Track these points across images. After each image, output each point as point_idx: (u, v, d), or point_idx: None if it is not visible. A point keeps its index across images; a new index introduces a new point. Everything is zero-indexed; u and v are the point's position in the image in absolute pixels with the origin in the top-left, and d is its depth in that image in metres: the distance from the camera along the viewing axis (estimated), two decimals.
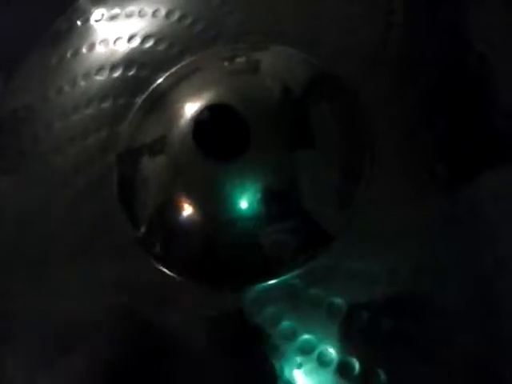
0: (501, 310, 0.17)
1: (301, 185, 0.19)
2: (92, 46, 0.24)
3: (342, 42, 0.21)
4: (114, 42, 0.23)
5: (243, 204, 0.19)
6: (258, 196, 0.19)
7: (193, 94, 0.21)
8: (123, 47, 0.23)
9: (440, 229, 0.18)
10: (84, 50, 0.23)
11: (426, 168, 0.19)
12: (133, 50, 0.23)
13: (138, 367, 0.18)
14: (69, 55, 0.24)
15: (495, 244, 0.18)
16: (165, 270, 0.19)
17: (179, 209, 0.19)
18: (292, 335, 0.17)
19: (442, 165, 0.19)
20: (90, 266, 0.20)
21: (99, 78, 0.23)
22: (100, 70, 0.23)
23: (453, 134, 0.19)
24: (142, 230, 0.20)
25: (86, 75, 0.23)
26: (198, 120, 0.18)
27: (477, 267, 0.18)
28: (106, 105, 0.22)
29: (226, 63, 0.22)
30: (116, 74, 0.23)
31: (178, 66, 0.22)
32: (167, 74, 0.22)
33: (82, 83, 0.23)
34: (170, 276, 0.19)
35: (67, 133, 0.22)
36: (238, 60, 0.22)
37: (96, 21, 0.24)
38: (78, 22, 0.24)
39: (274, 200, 0.19)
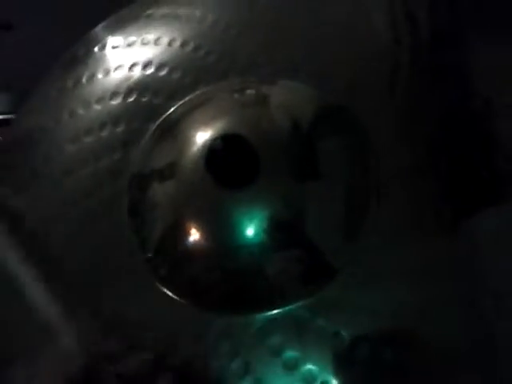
0: (500, 349, 0.18)
1: (307, 216, 0.19)
2: (107, 72, 0.24)
3: (353, 79, 0.21)
4: (130, 68, 0.24)
5: (250, 231, 0.19)
6: (265, 225, 0.19)
7: (204, 123, 0.21)
8: (138, 74, 0.24)
9: (442, 266, 0.19)
10: (100, 75, 0.24)
11: (431, 207, 0.19)
12: (147, 77, 0.23)
13: None
14: (84, 80, 0.24)
15: (495, 282, 0.18)
16: (169, 293, 0.19)
17: (187, 234, 0.20)
18: (294, 365, 0.17)
19: (446, 204, 0.19)
20: (97, 286, 0.20)
21: (113, 102, 0.23)
22: (114, 95, 0.23)
23: (457, 173, 0.20)
24: (150, 253, 0.20)
25: (101, 99, 0.23)
26: (212, 148, 0.19)
27: (477, 306, 0.18)
28: (119, 129, 0.23)
29: (236, 95, 0.22)
30: (130, 100, 0.23)
31: (191, 95, 0.23)
32: (180, 102, 0.23)
33: (96, 107, 0.23)
34: (175, 299, 0.19)
35: (79, 155, 0.23)
36: (248, 92, 0.22)
37: (113, 47, 0.25)
38: (96, 48, 0.25)
39: (281, 229, 0.19)
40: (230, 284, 0.19)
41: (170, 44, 0.24)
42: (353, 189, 0.20)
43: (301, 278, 0.19)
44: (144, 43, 0.25)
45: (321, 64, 0.22)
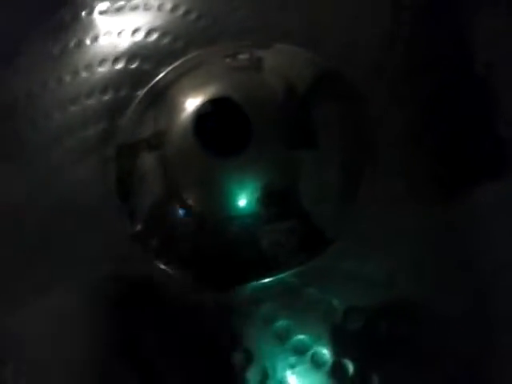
0: (496, 318, 0.17)
1: (301, 184, 0.19)
2: (95, 38, 0.23)
3: (348, 43, 0.21)
4: (118, 34, 0.23)
5: (242, 202, 0.19)
6: (258, 194, 0.18)
7: (195, 89, 0.20)
8: (127, 40, 0.23)
9: (439, 235, 0.18)
10: (87, 42, 0.23)
11: (428, 173, 0.19)
12: (136, 43, 0.23)
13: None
14: (72, 45, 0.23)
15: (493, 253, 0.18)
16: (161, 265, 0.19)
17: (177, 205, 0.19)
18: (286, 335, 0.17)
19: (445, 170, 0.18)
20: (87, 257, 0.20)
21: (101, 69, 0.22)
22: (102, 61, 0.23)
23: (456, 140, 0.19)
24: (139, 224, 0.20)
25: (88, 66, 0.23)
26: (200, 113, 0.18)
27: (474, 275, 0.18)
28: (106, 97, 0.22)
29: (228, 60, 0.21)
30: (118, 67, 0.22)
31: (181, 60, 0.22)
32: (170, 68, 0.22)
33: (84, 74, 0.23)
34: (167, 271, 0.19)
35: (66, 123, 0.22)
36: (241, 57, 0.21)
37: (100, 13, 0.24)
38: (83, 13, 0.24)
39: (274, 199, 0.19)
40: (222, 255, 0.19)
41: (159, 8, 0.23)
42: (348, 157, 0.19)
43: (295, 249, 0.18)
44: (133, 8, 0.24)
45: (315, 29, 0.21)
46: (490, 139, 0.19)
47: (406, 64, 0.20)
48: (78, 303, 0.19)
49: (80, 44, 0.23)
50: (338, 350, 0.17)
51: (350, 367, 0.17)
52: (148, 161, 0.20)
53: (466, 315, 0.17)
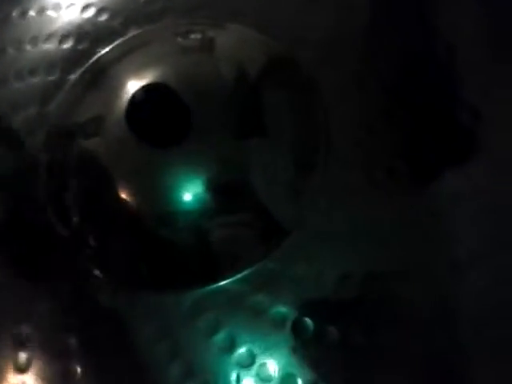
0: (458, 315, 0.16)
1: (249, 175, 0.17)
2: (24, 12, 0.21)
3: (301, 25, 0.19)
4: (52, 9, 0.21)
5: (186, 196, 0.17)
6: (201, 187, 0.17)
7: (135, 71, 0.18)
8: (60, 16, 0.21)
9: (396, 230, 0.17)
10: (15, 16, 0.21)
11: (384, 164, 0.17)
12: (71, 20, 0.20)
13: None
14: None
15: (453, 247, 0.17)
16: (97, 272, 0.17)
17: (114, 202, 0.17)
18: (230, 346, 0.15)
19: (401, 162, 0.17)
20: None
21: (30, 48, 0.20)
22: (32, 39, 0.20)
23: (414, 129, 0.17)
24: (73, 226, 0.18)
25: (17, 44, 0.20)
26: (133, 100, 0.16)
27: (433, 272, 0.16)
28: (35, 79, 0.20)
29: (179, 38, 0.20)
30: (50, 46, 0.20)
31: (122, 39, 0.20)
32: (109, 47, 0.20)
33: (11, 52, 0.20)
34: (103, 279, 0.17)
35: None
36: (193, 36, 0.19)
37: None
38: None
39: (221, 193, 0.17)
40: (164, 257, 0.17)
41: None
42: (300, 145, 0.18)
43: (248, 245, 0.17)
44: None
45: (266, 9, 0.19)
46: (451, 128, 0.17)
47: (362, 48, 0.18)
48: None
49: (6, 18, 0.21)
50: (287, 362, 0.15)
51: (300, 381, 0.15)
52: (82, 151, 0.18)
53: (425, 314, 0.16)
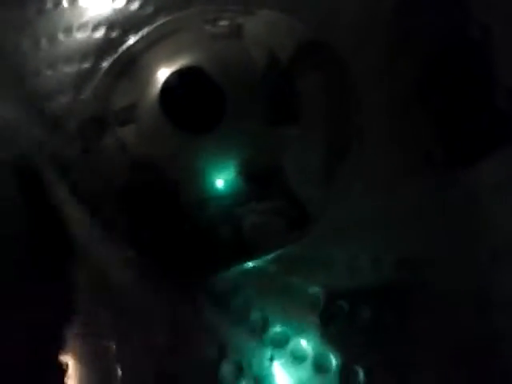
0: (494, 303, 0.16)
1: (283, 162, 0.17)
2: (58, 3, 0.21)
3: (331, 9, 0.19)
4: None
5: (218, 182, 0.17)
6: (234, 173, 0.17)
7: (167, 58, 0.19)
8: (91, 6, 0.21)
9: (431, 216, 0.17)
10: (48, 6, 0.21)
11: (420, 149, 0.17)
12: (102, 9, 0.21)
13: None
14: (33, 11, 0.21)
15: (492, 235, 0.17)
16: (132, 252, 0.17)
17: (149, 187, 0.18)
18: (264, 326, 0.16)
19: (438, 147, 0.17)
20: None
21: (64, 38, 0.21)
22: (66, 29, 0.21)
23: (450, 113, 0.17)
24: (106, 210, 0.18)
25: (50, 35, 0.21)
26: (167, 85, 0.16)
27: (470, 259, 0.16)
28: (69, 68, 0.20)
29: (207, 26, 0.20)
30: (83, 35, 0.20)
31: (152, 27, 0.20)
32: (140, 35, 0.20)
33: (45, 43, 0.21)
34: (139, 259, 0.17)
35: (27, 96, 0.20)
36: (221, 23, 0.20)
37: None
38: None
39: (254, 179, 0.17)
40: (197, 241, 0.17)
41: None
42: (333, 132, 0.18)
43: (280, 232, 0.17)
44: None
45: None
46: (488, 111, 0.17)
47: (394, 31, 0.18)
48: None
49: (41, 10, 0.21)
50: (320, 343, 0.16)
51: (333, 360, 0.15)
52: (116, 138, 0.19)
53: (460, 300, 0.16)
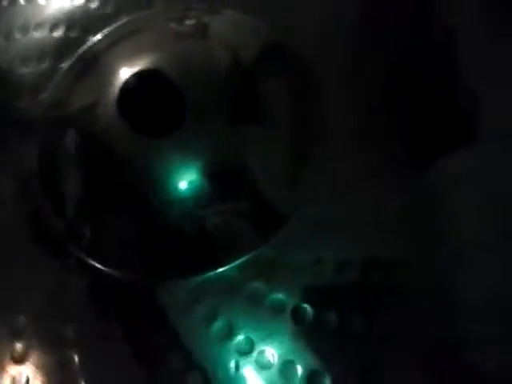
0: (460, 301, 0.16)
1: (245, 162, 0.17)
2: (14, 1, 0.21)
3: (295, 10, 0.19)
4: None
5: (180, 184, 0.17)
6: (196, 175, 0.17)
7: (128, 58, 0.18)
8: (50, 4, 0.20)
9: (395, 215, 0.16)
10: (5, 3, 0.21)
11: (383, 149, 0.17)
12: (61, 8, 0.20)
13: None
14: None
15: (453, 232, 0.16)
16: (93, 262, 0.17)
17: (109, 190, 0.17)
18: (228, 333, 0.15)
19: (400, 146, 0.17)
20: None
21: (20, 37, 0.20)
22: (23, 28, 0.20)
23: (413, 113, 0.17)
24: (67, 215, 0.18)
25: (6, 33, 0.20)
26: (125, 87, 0.16)
27: (434, 257, 0.16)
28: (27, 69, 0.19)
29: (172, 25, 0.19)
30: (41, 34, 0.20)
31: (114, 26, 0.20)
32: (101, 34, 0.19)
33: (1, 42, 0.20)
34: (99, 269, 0.17)
35: None
36: (188, 22, 0.19)
37: None
38: None
39: (216, 180, 0.17)
40: (161, 246, 0.17)
41: None
42: (297, 132, 0.17)
43: (245, 234, 0.17)
44: None
45: None
46: (452, 112, 0.17)
47: (358, 32, 0.18)
48: None
49: None
50: (286, 349, 0.15)
51: (299, 367, 0.15)
52: (75, 140, 0.18)
53: (426, 303, 0.16)
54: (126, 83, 0.16)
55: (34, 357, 0.16)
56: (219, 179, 0.17)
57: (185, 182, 0.17)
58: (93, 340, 0.16)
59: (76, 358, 0.16)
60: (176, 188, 0.17)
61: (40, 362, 0.16)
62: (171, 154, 0.17)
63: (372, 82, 0.17)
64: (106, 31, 0.20)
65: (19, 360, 0.16)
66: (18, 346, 0.16)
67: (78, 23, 0.20)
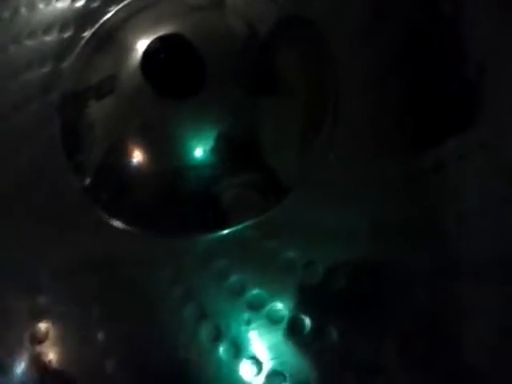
0: (461, 265, 0.17)
1: (260, 132, 0.18)
2: None
3: None
4: None
5: (197, 150, 0.17)
6: (214, 143, 0.17)
7: (147, 29, 0.19)
8: None
9: (402, 185, 0.17)
10: None
11: (393, 121, 0.17)
12: None
13: None
14: None
15: (458, 202, 0.17)
16: (113, 221, 0.17)
17: (128, 154, 0.18)
18: (241, 290, 0.16)
19: (409, 117, 0.17)
20: (30, 216, 0.18)
21: (43, 7, 0.20)
22: None
23: (422, 85, 0.18)
24: (88, 178, 0.18)
25: (29, 3, 0.21)
26: (148, 51, 0.16)
27: (438, 224, 0.17)
28: (49, 38, 0.20)
29: None
30: (62, 4, 0.20)
31: None
32: (120, 6, 0.20)
33: (24, 11, 0.21)
34: (119, 228, 0.17)
35: (6, 66, 0.20)
36: None
37: None
38: None
39: (232, 149, 0.17)
40: (176, 208, 0.18)
41: None
42: (309, 102, 0.18)
43: (253, 198, 0.17)
44: None
45: None
46: (459, 84, 0.18)
47: (370, 6, 0.19)
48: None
49: None
50: (296, 306, 0.16)
51: (308, 322, 0.16)
52: (96, 109, 0.19)
53: (429, 266, 0.17)
54: (150, 46, 0.16)
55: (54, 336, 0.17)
56: (231, 146, 0.18)
57: (200, 146, 0.17)
58: (111, 296, 0.17)
59: (97, 313, 0.17)
60: (192, 152, 0.17)
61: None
62: (189, 118, 0.17)
63: (382, 52, 0.18)
64: (125, 3, 0.20)
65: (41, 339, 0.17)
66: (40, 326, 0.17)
67: None
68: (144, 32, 0.19)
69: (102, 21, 0.20)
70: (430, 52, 0.18)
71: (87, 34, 0.20)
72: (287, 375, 0.15)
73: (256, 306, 0.16)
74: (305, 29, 0.19)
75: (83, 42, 0.20)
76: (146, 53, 0.16)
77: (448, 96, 0.18)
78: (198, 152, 0.17)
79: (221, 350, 0.16)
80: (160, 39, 0.16)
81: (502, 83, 0.18)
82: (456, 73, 0.18)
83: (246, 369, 0.16)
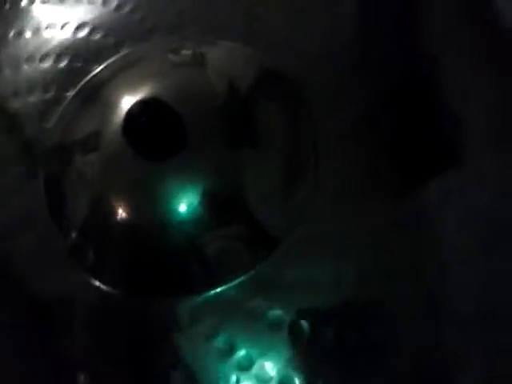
0: (446, 314, 0.17)
1: (245, 187, 0.18)
2: (20, 33, 0.22)
3: (286, 36, 0.20)
4: (45, 28, 0.21)
5: (181, 207, 0.17)
6: (198, 199, 0.17)
7: (130, 87, 0.19)
8: (55, 35, 0.21)
9: (385, 234, 0.17)
10: (11, 36, 0.21)
11: (373, 171, 0.18)
12: (65, 39, 0.21)
13: None
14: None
15: (440, 249, 0.17)
16: (97, 282, 0.17)
17: (112, 213, 0.18)
18: (229, 350, 0.16)
19: (387, 167, 0.18)
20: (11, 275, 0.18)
21: (27, 67, 0.21)
22: (29, 59, 0.21)
23: (399, 135, 0.18)
24: (72, 237, 0.18)
25: (13, 65, 0.21)
26: (130, 115, 0.17)
27: (422, 273, 0.17)
28: (33, 98, 0.20)
29: (170, 55, 0.20)
30: (46, 65, 0.21)
31: (116, 56, 0.21)
32: (103, 65, 0.20)
33: (8, 73, 0.21)
34: (103, 290, 0.17)
35: None
36: (184, 52, 0.20)
37: (27, 4, 0.22)
38: (7, 5, 0.22)
39: (217, 203, 0.18)
40: (162, 266, 0.18)
41: (90, 1, 0.22)
42: (290, 154, 0.18)
43: (241, 255, 0.17)
44: (61, 0, 0.22)
45: (250, 20, 0.20)
46: (436, 136, 0.18)
47: (348, 61, 0.19)
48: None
49: (2, 39, 0.21)
50: (285, 363, 0.16)
51: (297, 381, 0.16)
52: (80, 166, 0.19)
53: (415, 314, 0.17)
54: (131, 110, 0.17)
55: None
56: (217, 201, 0.18)
57: (184, 204, 0.18)
58: (99, 358, 0.17)
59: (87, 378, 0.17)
60: (176, 210, 0.18)
61: None
62: (172, 177, 0.17)
63: (362, 106, 0.18)
64: (108, 62, 0.21)
65: None
66: None
67: (82, 54, 0.21)
68: (127, 90, 0.19)
69: (87, 78, 0.20)
70: (408, 106, 0.18)
71: (70, 93, 0.20)
72: None
73: (244, 367, 0.16)
74: (283, 83, 0.19)
75: (66, 101, 0.20)
76: (127, 116, 0.17)
77: (426, 147, 0.18)
78: (182, 209, 0.18)
79: None
80: (140, 103, 0.16)
81: (476, 133, 0.18)
82: (433, 125, 0.18)
83: None
